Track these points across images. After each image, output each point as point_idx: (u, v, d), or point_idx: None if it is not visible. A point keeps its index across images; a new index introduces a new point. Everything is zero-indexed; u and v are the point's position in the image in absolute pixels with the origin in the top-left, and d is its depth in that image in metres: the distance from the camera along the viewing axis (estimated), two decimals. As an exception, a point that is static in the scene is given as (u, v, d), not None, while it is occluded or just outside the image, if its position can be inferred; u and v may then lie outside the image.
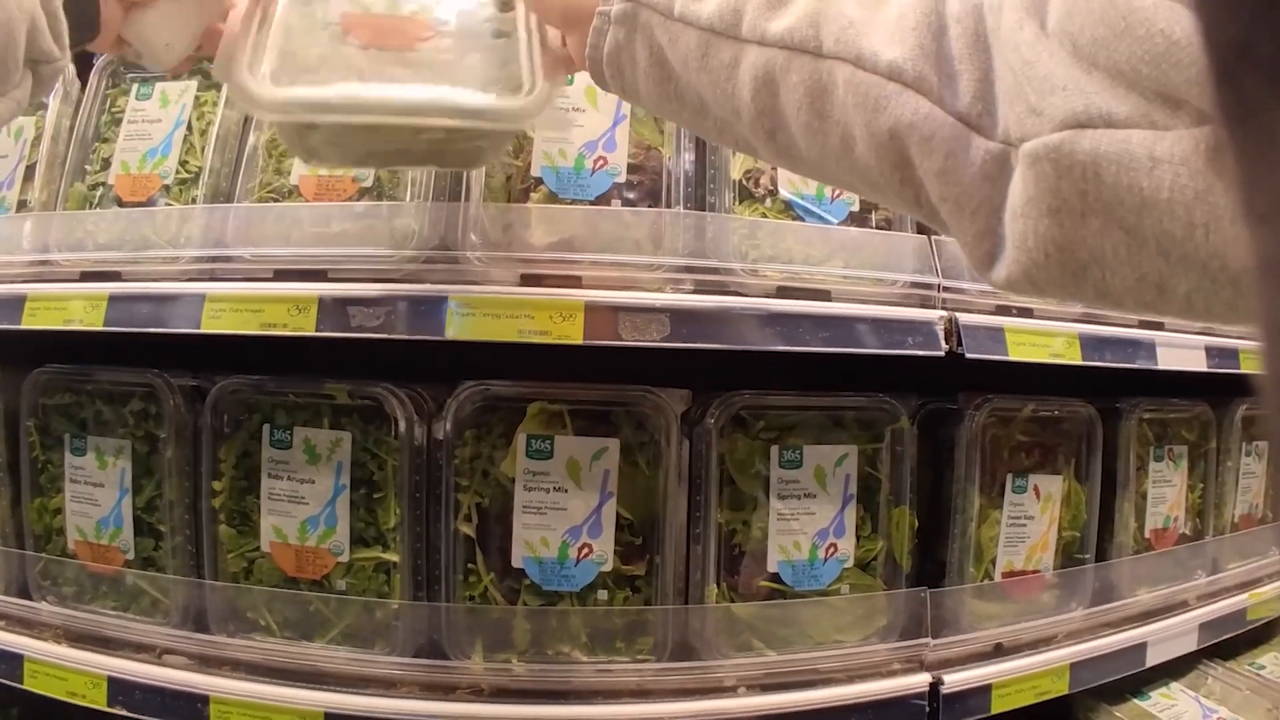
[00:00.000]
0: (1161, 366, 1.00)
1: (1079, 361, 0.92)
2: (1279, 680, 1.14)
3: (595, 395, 0.80)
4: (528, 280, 0.78)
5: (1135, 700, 1.06)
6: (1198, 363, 1.05)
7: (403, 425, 0.81)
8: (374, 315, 0.77)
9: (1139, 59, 0.32)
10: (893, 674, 0.87)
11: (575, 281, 0.78)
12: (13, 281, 0.90)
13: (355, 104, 0.51)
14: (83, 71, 0.98)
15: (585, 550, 0.80)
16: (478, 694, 0.81)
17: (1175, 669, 1.12)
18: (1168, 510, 1.08)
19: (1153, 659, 1.04)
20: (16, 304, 0.88)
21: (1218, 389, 1.16)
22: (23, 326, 0.87)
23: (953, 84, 0.39)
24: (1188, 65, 0.31)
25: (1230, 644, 1.18)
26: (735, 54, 0.45)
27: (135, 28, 0.57)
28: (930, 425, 0.93)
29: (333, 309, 0.78)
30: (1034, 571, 0.96)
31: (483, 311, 0.75)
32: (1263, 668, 1.17)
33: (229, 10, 0.59)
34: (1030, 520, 0.94)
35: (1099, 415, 0.99)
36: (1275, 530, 1.22)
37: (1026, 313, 0.92)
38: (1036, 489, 0.95)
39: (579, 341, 0.74)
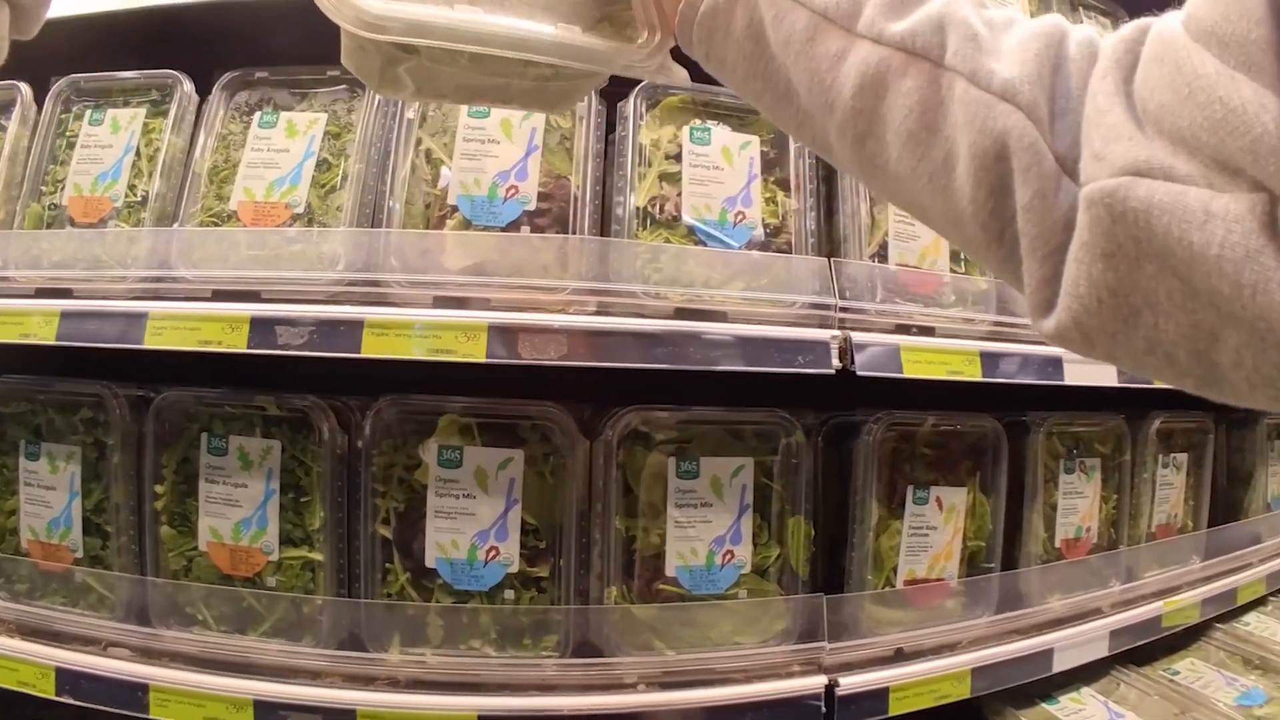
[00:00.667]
0: (1069, 382, 1.05)
1: (979, 378, 0.98)
2: (1190, 686, 1.18)
3: (502, 409, 0.87)
4: (441, 302, 0.85)
5: (1044, 704, 1.11)
6: (1109, 378, 1.10)
7: (327, 435, 0.88)
8: (299, 334, 0.85)
9: (1199, 125, 0.33)
10: (791, 675, 0.93)
11: (485, 304, 0.85)
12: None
13: (480, 33, 0.49)
14: (39, 95, 1.06)
15: (493, 553, 0.87)
16: (395, 684, 0.89)
17: (1089, 674, 1.17)
18: (1079, 520, 1.13)
19: (1060, 665, 1.09)
20: (-26, 319, 0.96)
21: (1136, 403, 1.21)
22: (-20, 340, 0.96)
23: (1061, 120, 0.39)
24: (1243, 134, 0.31)
25: (1148, 650, 1.23)
26: (844, 46, 0.43)
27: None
28: (837, 438, 0.99)
29: (262, 328, 0.85)
30: (937, 580, 1.02)
31: (395, 332, 0.82)
32: (1177, 673, 1.22)
33: None
34: (933, 530, 1.00)
35: (1004, 429, 1.04)
36: (1195, 540, 1.27)
37: (927, 331, 0.98)
38: (939, 500, 1.00)
39: (482, 360, 0.81)
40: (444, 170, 0.89)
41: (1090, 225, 0.35)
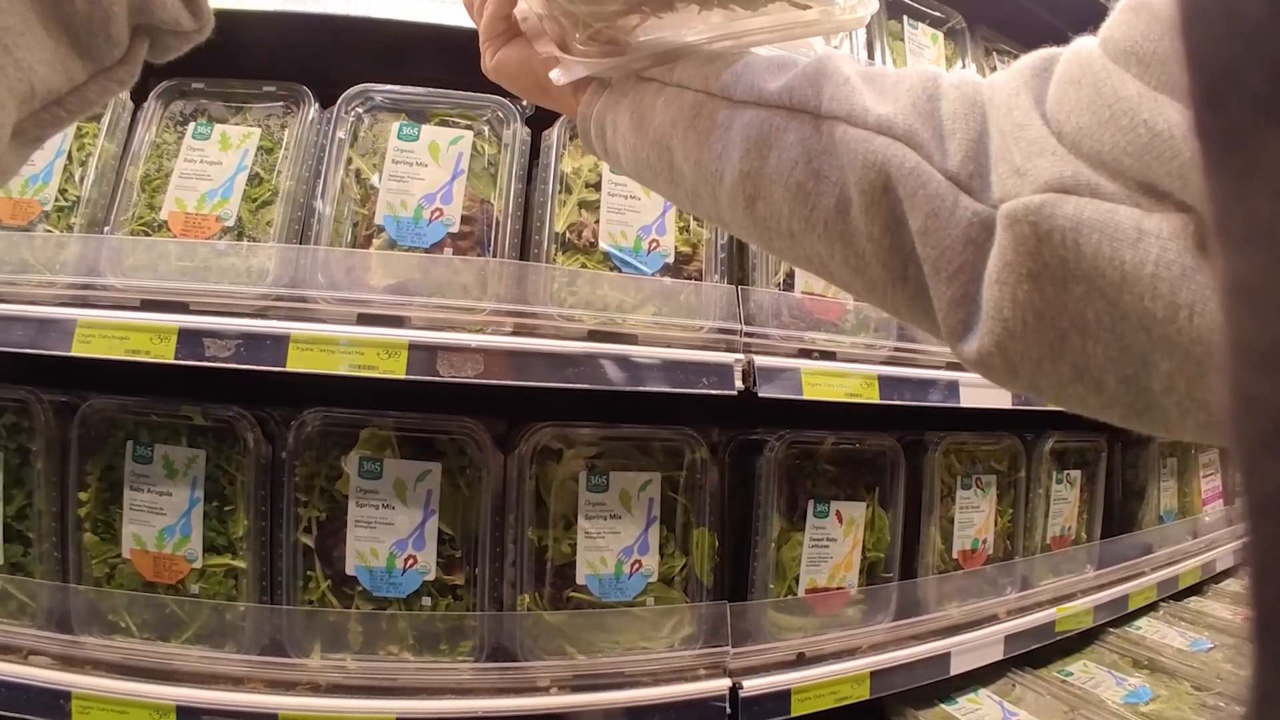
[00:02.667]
0: (965, 405, 1.16)
1: (877, 400, 1.07)
2: (1081, 686, 1.29)
3: (421, 424, 0.93)
4: (364, 319, 0.91)
5: (942, 705, 1.21)
6: (1003, 400, 1.21)
7: (251, 445, 0.93)
8: (226, 346, 0.90)
9: (1122, 149, 0.32)
10: (697, 678, 1.01)
11: (405, 322, 0.91)
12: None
13: None
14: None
15: (410, 561, 0.93)
16: (316, 689, 0.94)
17: (986, 676, 1.27)
18: (975, 533, 1.23)
19: (957, 668, 1.19)
20: (-100, 324, 0.99)
21: (1031, 423, 1.32)
22: (-95, 345, 0.98)
23: (944, 143, 0.39)
24: (1170, 158, 0.30)
25: (1044, 653, 1.34)
26: (729, 116, 0.45)
27: None
28: (742, 455, 1.08)
29: (190, 339, 0.90)
30: (838, 589, 1.10)
31: (319, 347, 0.88)
32: (1070, 674, 1.33)
33: None
34: (833, 542, 1.09)
35: (905, 447, 1.14)
36: (1089, 550, 1.38)
37: (829, 356, 1.07)
38: (839, 514, 1.09)
39: (402, 376, 0.87)
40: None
41: (1014, 244, 0.34)
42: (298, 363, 0.88)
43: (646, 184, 0.53)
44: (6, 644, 0.98)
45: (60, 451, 0.98)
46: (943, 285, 0.38)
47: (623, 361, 0.93)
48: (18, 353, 0.95)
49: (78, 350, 0.93)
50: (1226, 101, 0.17)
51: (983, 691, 1.25)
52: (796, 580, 1.08)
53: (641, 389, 0.93)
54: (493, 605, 0.96)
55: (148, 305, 0.95)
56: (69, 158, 1.03)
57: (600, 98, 0.52)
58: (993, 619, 1.26)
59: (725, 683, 1.01)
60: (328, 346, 0.88)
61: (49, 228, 1.01)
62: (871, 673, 1.10)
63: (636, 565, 0.99)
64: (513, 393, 0.94)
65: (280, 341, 0.89)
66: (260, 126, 1.02)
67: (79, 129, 1.04)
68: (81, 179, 1.02)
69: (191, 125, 1.02)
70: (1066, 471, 1.33)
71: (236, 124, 1.03)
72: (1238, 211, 0.17)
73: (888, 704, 1.20)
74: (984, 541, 1.24)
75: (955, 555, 1.21)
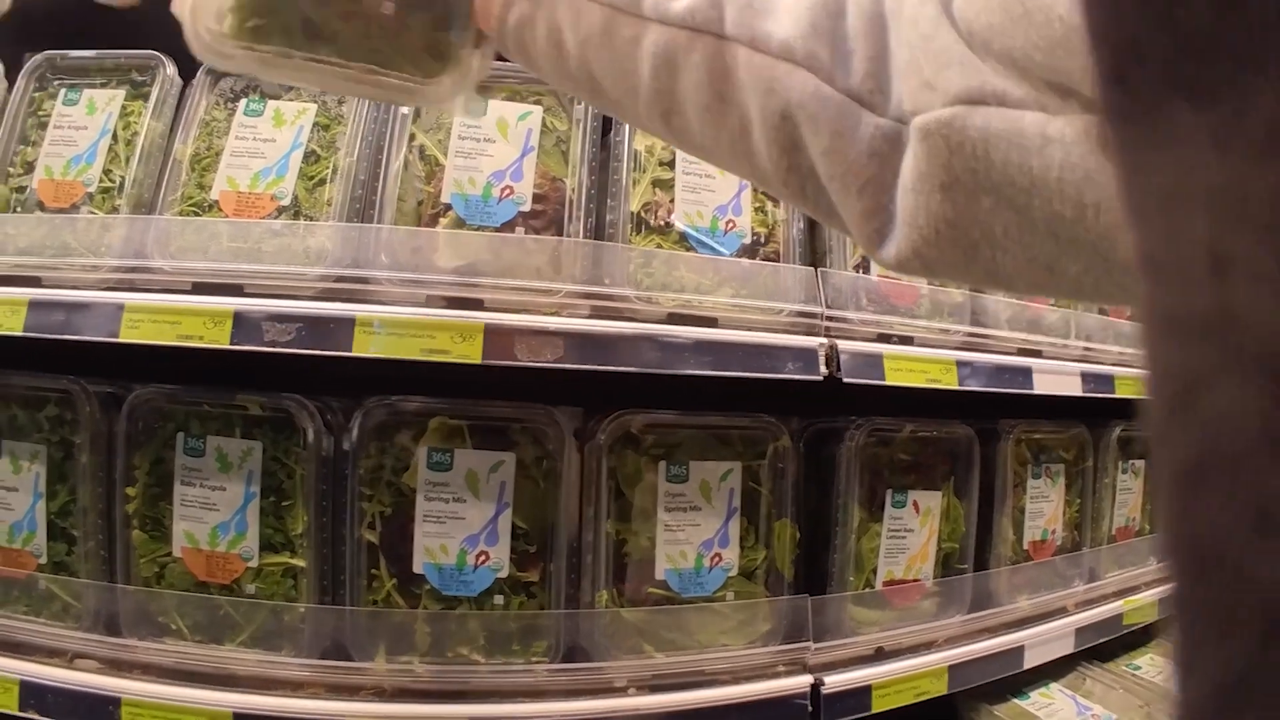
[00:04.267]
0: (1038, 391, 1.09)
1: (955, 386, 1.00)
2: (1153, 680, 1.23)
3: (494, 412, 0.85)
4: (433, 302, 0.84)
5: (1015, 700, 1.14)
6: (1074, 388, 1.14)
7: (311, 436, 0.85)
8: (286, 331, 0.82)
9: (1033, 45, 0.31)
10: (776, 675, 0.94)
11: (478, 304, 0.84)
12: (-71, 287, 0.93)
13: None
14: (10, 72, 1.01)
15: (482, 557, 0.85)
16: (380, 694, 0.86)
17: (1055, 670, 1.20)
18: (1045, 524, 1.17)
19: (1030, 661, 1.12)
20: (-66, 310, 0.90)
21: (1098, 412, 1.25)
22: (-62, 332, 0.90)
23: (845, 62, 0.38)
24: (1083, 52, 0.30)
25: (1109, 647, 1.27)
26: (637, 32, 0.44)
27: None
28: (817, 444, 1.00)
29: (248, 324, 0.82)
30: (914, 580, 1.03)
31: (388, 331, 0.80)
32: (1139, 668, 1.26)
33: None
34: (910, 533, 1.02)
35: (977, 436, 1.07)
36: (1151, 541, 1.32)
37: (907, 340, 1.00)
38: (916, 504, 1.02)
39: (478, 361, 0.80)
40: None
41: (928, 156, 0.34)
42: (364, 347, 0.80)
43: (574, 93, 0.52)
44: (52, 647, 0.90)
45: (106, 444, 0.90)
46: (853, 199, 0.38)
47: (706, 346, 0.86)
48: (60, 340, 0.87)
49: (125, 336, 0.85)
50: (1130, 76, 0.16)
51: (1054, 685, 1.18)
52: (874, 572, 1.00)
53: (725, 374, 0.86)
54: (568, 603, 0.88)
55: (199, 289, 0.87)
56: (114, 137, 0.95)
57: (513, 10, 0.50)
58: (1062, 611, 1.19)
59: (807, 679, 0.93)
60: (397, 330, 0.80)
61: (93, 210, 0.93)
62: (949, 667, 1.03)
63: (716, 559, 0.91)
64: (578, 379, 0.86)
65: (345, 325, 0.81)
66: (316, 102, 0.93)
67: (124, 107, 0.96)
68: (127, 159, 0.94)
69: (243, 101, 0.94)
70: (1132, 461, 1.26)
71: (290, 100, 0.95)
72: (1143, 190, 0.16)
73: (960, 700, 1.13)
74: (1053, 532, 1.17)
75: (1026, 546, 1.14)
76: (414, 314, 0.81)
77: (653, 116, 0.46)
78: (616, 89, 0.46)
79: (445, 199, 0.87)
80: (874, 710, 0.97)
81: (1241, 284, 0.14)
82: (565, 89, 0.53)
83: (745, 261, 0.93)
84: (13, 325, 0.87)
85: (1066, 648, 1.17)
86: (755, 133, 0.41)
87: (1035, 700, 1.15)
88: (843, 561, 0.97)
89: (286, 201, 0.89)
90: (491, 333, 0.80)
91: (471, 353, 0.80)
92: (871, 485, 0.99)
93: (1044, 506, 1.16)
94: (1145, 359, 0.17)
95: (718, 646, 0.92)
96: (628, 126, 0.93)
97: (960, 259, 0.36)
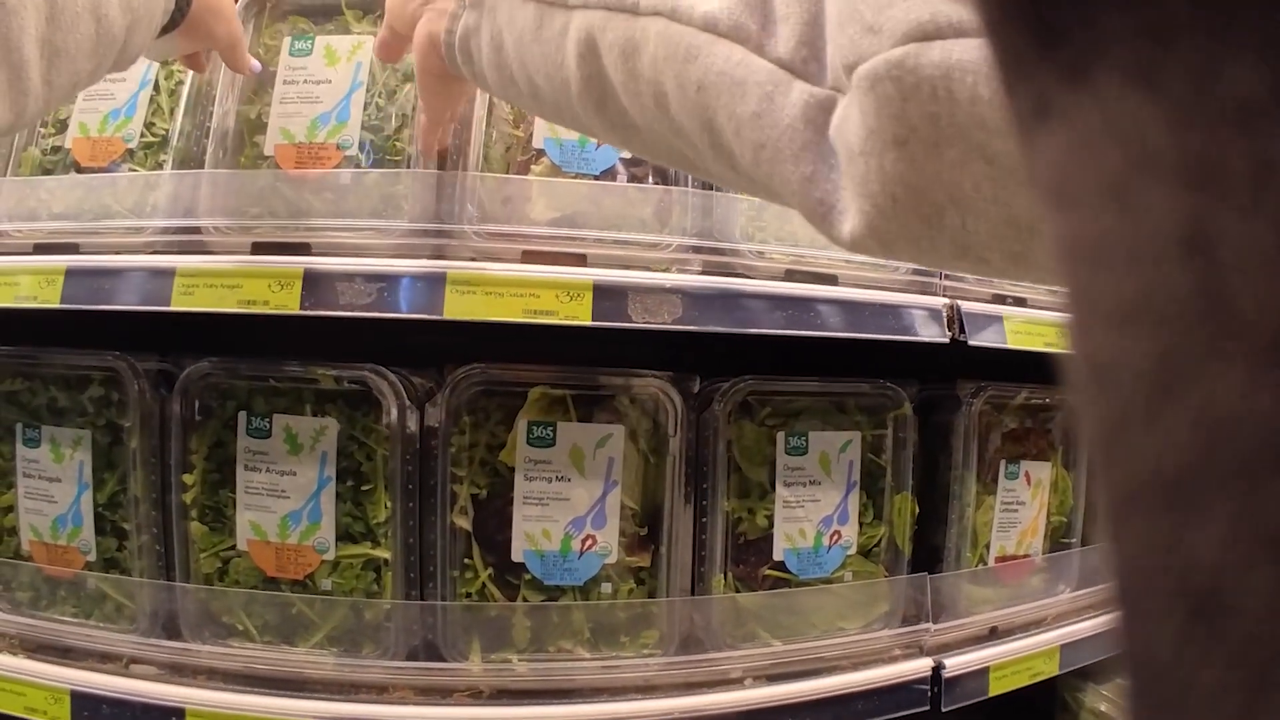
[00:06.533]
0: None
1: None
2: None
3: (600, 381, 0.73)
4: (530, 257, 0.71)
5: (1121, 680, 1.04)
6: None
7: (394, 412, 0.72)
8: (365, 293, 0.69)
9: None
10: (894, 660, 0.83)
11: (580, 260, 0.71)
12: (-47, 256, 0.79)
13: None
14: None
15: (589, 542, 0.73)
16: (476, 696, 0.74)
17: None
18: (1143, 493, 1.07)
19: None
20: (-43, 281, 0.76)
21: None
22: (-35, 305, 0.76)
23: (774, 31, 0.34)
24: None
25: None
26: (565, 21, 0.41)
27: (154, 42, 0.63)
28: (923, 411, 0.89)
29: (319, 285, 0.69)
30: (1024, 556, 0.93)
31: (485, 289, 0.67)
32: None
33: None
34: (1022, 506, 0.91)
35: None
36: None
37: (1020, 302, 0.89)
38: (1028, 475, 0.92)
39: (587, 322, 0.67)
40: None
41: (877, 108, 0.29)
42: (458, 309, 0.67)
43: (517, 104, 0.50)
44: (104, 652, 0.77)
45: (159, 427, 0.76)
46: (790, 166, 0.33)
47: (832, 304, 0.74)
48: (103, 311, 0.73)
49: (178, 304, 0.71)
50: (1062, 30, 0.13)
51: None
52: (987, 548, 0.90)
53: (854, 336, 0.74)
54: (680, 588, 0.76)
55: (259, 249, 0.74)
56: (155, 88, 0.81)
57: (460, 21, 0.49)
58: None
59: (927, 663, 0.83)
60: (495, 289, 0.67)
61: (134, 167, 0.79)
62: (1061, 646, 0.93)
63: (836, 536, 0.80)
64: (674, 341, 0.74)
65: (434, 284, 0.68)
66: (371, 34, 0.79)
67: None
68: (171, 110, 0.80)
69: (288, 40, 0.80)
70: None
71: (335, 32, 0.80)
72: (1077, 163, 0.14)
73: (1062, 680, 1.03)
74: (1149, 502, 1.08)
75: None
76: (514, 271, 0.68)
77: (587, 109, 0.42)
78: (551, 86, 0.44)
79: (537, 144, 0.74)
80: (991, 693, 0.87)
81: (1229, 262, 0.12)
82: (511, 99, 0.50)
83: (859, 214, 0.81)
84: (49, 297, 0.73)
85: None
86: (673, 106, 0.37)
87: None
88: (959, 536, 0.86)
89: (353, 150, 0.75)
90: (602, 291, 0.68)
91: (580, 313, 0.68)
92: (985, 455, 0.89)
93: (1141, 475, 1.06)
94: (1083, 360, 0.14)
95: (835, 631, 0.81)
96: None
97: (924, 230, 0.30)
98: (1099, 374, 0.14)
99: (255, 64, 0.74)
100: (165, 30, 0.61)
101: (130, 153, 0.79)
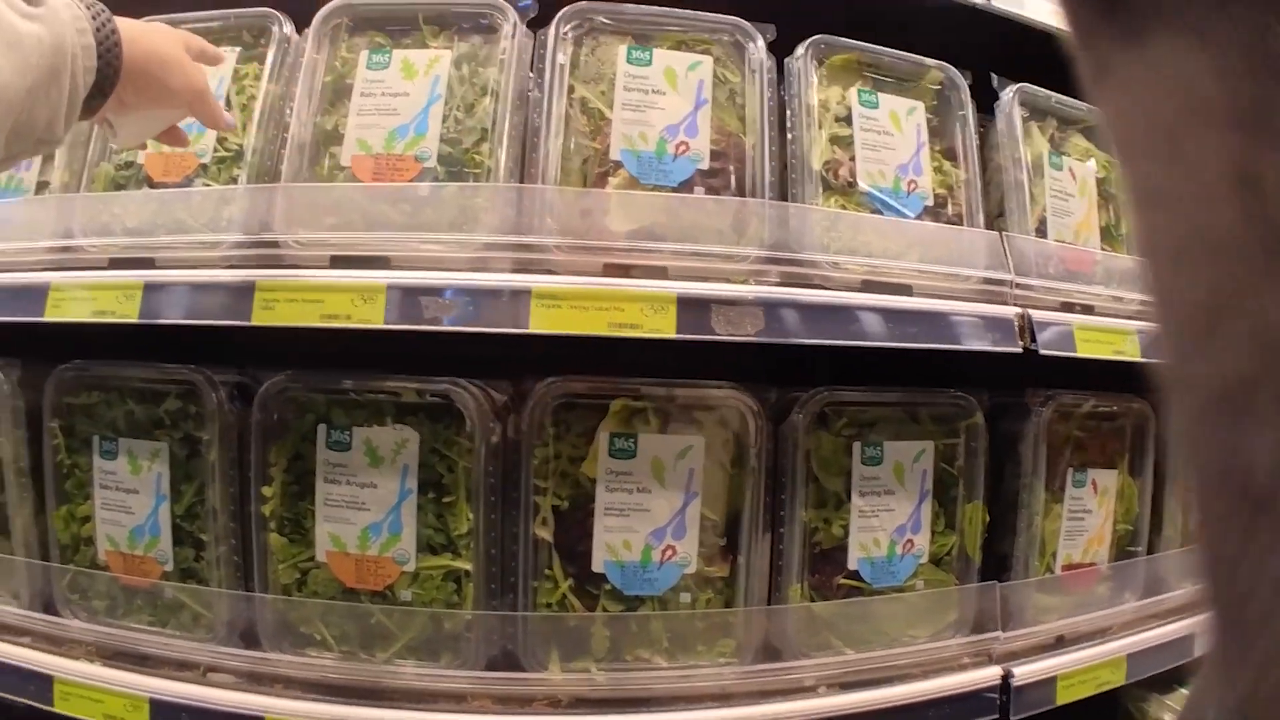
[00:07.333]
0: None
1: (1138, 358, 0.89)
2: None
3: (680, 393, 0.74)
4: (610, 270, 0.72)
5: (1184, 690, 1.04)
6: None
7: (477, 424, 0.73)
8: (449, 306, 0.70)
9: None
10: (963, 668, 0.84)
11: (660, 273, 0.72)
12: (33, 270, 0.80)
13: None
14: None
15: (669, 552, 0.74)
16: (555, 705, 0.75)
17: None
18: (1201, 500, 1.07)
19: (1201, 649, 1.02)
20: (38, 294, 0.77)
21: None
22: (46, 319, 0.77)
23: None
24: None
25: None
26: None
27: (119, 117, 0.62)
28: (990, 419, 0.90)
29: (403, 299, 0.70)
30: (1091, 564, 0.93)
31: (570, 303, 0.68)
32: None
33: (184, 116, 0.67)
34: (1088, 514, 0.92)
35: (1154, 411, 0.97)
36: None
37: (1088, 310, 0.89)
38: (1095, 483, 0.92)
39: (671, 335, 0.68)
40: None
41: None
42: (543, 323, 0.68)
43: None
44: (181, 660, 0.78)
45: (237, 440, 0.77)
46: None
47: (905, 316, 0.75)
48: (180, 325, 0.74)
49: (259, 319, 0.72)
50: (1124, 3, 0.15)
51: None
52: (1053, 556, 0.90)
53: (927, 346, 0.75)
54: (756, 598, 0.77)
55: (338, 262, 0.75)
56: (227, 103, 0.82)
57: None
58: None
59: (996, 671, 0.83)
60: (579, 302, 0.68)
61: (207, 182, 0.80)
62: (1128, 655, 0.93)
63: (909, 545, 0.80)
64: (747, 354, 0.75)
65: (519, 298, 0.69)
66: (449, 47, 0.80)
67: (237, 71, 0.83)
68: (244, 126, 0.80)
69: (365, 54, 0.81)
70: None
71: (412, 47, 0.80)
72: (1139, 113, 0.15)
73: (1125, 690, 1.03)
74: (1207, 508, 1.08)
75: (1194, 528, 1.04)
76: (598, 284, 0.69)
77: None
78: None
79: (614, 156, 0.75)
80: (1058, 702, 0.88)
81: (1276, 194, 0.13)
82: None
83: (930, 225, 0.82)
84: (127, 312, 0.74)
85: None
86: None
87: (1193, 684, 1.05)
88: (1027, 544, 0.87)
89: (431, 162, 0.76)
90: (686, 304, 0.69)
91: (664, 326, 0.68)
92: (1052, 463, 0.89)
93: (1199, 482, 1.06)
94: (1154, 292, 0.15)
95: (905, 639, 0.81)
96: (802, 76, 0.81)
97: None
98: (1163, 307, 0.15)
99: (229, 118, 0.69)
100: (101, 93, 0.54)
101: (203, 167, 0.80)
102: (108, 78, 0.54)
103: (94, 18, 0.52)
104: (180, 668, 0.78)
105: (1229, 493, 0.14)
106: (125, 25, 0.55)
